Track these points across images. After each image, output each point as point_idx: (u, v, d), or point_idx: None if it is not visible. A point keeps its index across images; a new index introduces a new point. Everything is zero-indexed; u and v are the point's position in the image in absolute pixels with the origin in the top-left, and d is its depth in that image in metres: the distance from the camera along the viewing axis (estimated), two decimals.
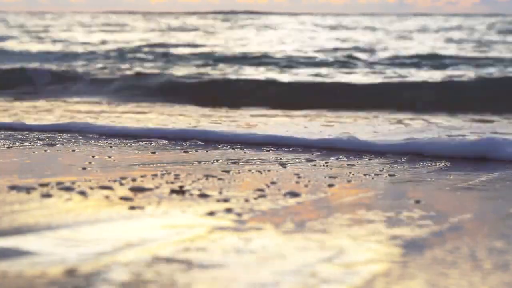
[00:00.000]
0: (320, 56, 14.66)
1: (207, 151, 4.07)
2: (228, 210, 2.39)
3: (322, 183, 3.01)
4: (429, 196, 2.84)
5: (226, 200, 2.56)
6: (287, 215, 2.36)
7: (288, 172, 3.30)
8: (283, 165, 3.55)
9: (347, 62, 13.32)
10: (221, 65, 12.67)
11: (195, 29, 30.55)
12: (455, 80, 9.92)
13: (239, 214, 2.33)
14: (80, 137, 4.63)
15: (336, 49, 17.00)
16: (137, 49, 16.80)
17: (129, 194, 2.64)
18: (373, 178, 3.23)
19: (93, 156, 3.73)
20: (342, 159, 3.86)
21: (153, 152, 3.98)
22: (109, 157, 3.72)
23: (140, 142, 4.43)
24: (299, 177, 3.15)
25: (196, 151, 4.08)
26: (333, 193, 2.82)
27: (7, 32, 25.42)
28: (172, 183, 2.90)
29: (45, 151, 3.92)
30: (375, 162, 3.78)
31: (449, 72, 11.48)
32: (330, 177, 3.19)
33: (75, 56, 15.05)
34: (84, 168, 3.28)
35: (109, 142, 4.43)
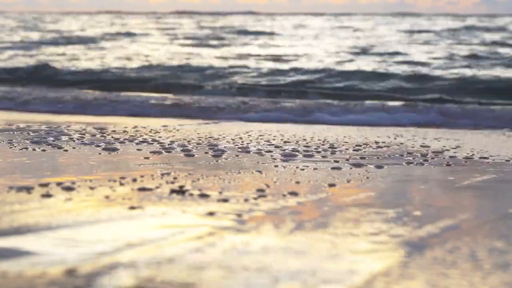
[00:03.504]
0: None
1: None
2: (228, 210, 2.39)
3: (322, 183, 3.01)
4: (429, 196, 2.84)
5: (226, 200, 2.56)
6: (287, 215, 2.36)
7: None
8: None
9: None
10: None
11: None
12: None
13: (239, 214, 2.33)
14: (81, 137, 4.63)
15: None
16: None
17: (129, 194, 2.64)
18: (373, 177, 3.23)
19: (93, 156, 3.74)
20: None
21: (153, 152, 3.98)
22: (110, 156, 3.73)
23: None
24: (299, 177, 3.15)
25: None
26: (333, 193, 2.82)
27: None
28: (172, 183, 2.90)
29: (45, 151, 3.92)
30: None
31: None
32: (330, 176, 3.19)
33: None
34: (84, 168, 3.28)
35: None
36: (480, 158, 4.06)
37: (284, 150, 4.17)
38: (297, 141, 4.68)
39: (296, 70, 13.54)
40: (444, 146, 4.63)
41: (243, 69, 14.00)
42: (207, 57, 16.84)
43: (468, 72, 13.21)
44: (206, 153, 3.95)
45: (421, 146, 4.63)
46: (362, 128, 6.33)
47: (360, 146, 4.51)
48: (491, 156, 4.15)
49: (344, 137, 5.16)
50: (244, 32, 27.88)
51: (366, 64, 14.82)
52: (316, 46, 20.46)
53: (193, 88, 11.49)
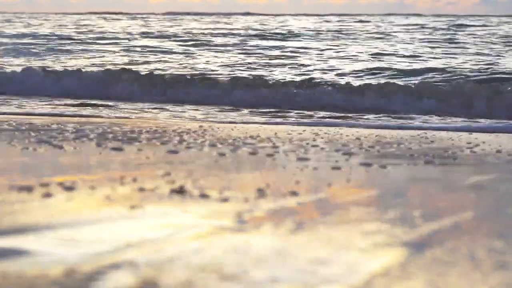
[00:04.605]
0: None
1: None
2: (228, 210, 2.39)
3: (322, 182, 3.01)
4: (429, 196, 2.84)
5: (226, 200, 2.56)
6: (287, 214, 2.36)
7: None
8: None
9: None
10: None
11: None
12: None
13: (239, 214, 2.33)
14: (82, 137, 4.64)
15: None
16: None
17: (129, 194, 2.65)
18: (373, 177, 3.23)
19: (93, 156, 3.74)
20: None
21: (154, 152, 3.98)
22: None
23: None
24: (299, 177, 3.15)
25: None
26: (333, 192, 2.82)
27: None
28: (172, 183, 2.90)
29: (46, 150, 3.92)
30: None
31: None
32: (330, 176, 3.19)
33: None
34: (84, 168, 3.28)
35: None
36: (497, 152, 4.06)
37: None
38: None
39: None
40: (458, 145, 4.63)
41: None
42: None
43: None
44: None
45: (438, 147, 4.64)
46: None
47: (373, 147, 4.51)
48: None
49: (376, 136, 5.15)
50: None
51: None
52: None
53: None
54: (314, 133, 5.77)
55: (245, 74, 13.48)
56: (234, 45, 20.73)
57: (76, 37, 23.98)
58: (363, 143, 4.89)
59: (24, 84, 12.01)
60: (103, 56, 17.23)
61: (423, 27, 31.63)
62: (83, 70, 13.29)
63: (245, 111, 9.35)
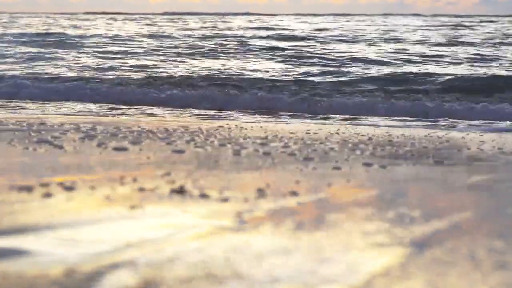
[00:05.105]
0: None
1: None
2: (228, 210, 2.39)
3: (322, 183, 3.01)
4: (429, 196, 2.84)
5: (226, 200, 2.56)
6: (287, 214, 2.36)
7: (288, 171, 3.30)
8: None
9: None
10: None
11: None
12: None
13: (239, 214, 2.34)
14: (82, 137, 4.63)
15: None
16: None
17: (129, 194, 2.64)
18: (373, 177, 3.23)
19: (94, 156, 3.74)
20: None
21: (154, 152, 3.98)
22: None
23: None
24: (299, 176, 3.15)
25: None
26: (333, 192, 2.82)
27: None
28: (172, 183, 2.90)
29: (46, 150, 3.92)
30: None
31: None
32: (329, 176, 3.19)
33: None
34: (84, 168, 3.28)
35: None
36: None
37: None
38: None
39: None
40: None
41: None
42: None
43: None
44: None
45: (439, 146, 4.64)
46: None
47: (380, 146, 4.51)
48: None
49: (389, 135, 5.15)
50: None
51: None
52: None
53: None
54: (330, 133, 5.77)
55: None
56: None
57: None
58: (373, 141, 4.90)
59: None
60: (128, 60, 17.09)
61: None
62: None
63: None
